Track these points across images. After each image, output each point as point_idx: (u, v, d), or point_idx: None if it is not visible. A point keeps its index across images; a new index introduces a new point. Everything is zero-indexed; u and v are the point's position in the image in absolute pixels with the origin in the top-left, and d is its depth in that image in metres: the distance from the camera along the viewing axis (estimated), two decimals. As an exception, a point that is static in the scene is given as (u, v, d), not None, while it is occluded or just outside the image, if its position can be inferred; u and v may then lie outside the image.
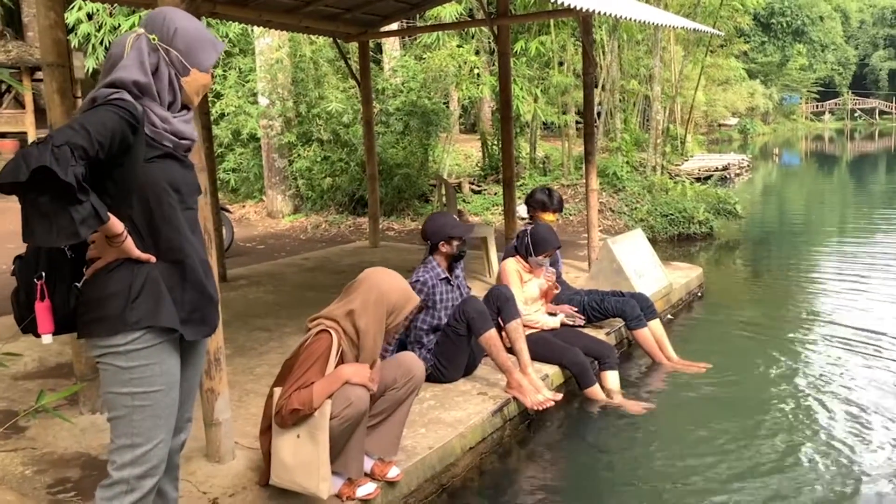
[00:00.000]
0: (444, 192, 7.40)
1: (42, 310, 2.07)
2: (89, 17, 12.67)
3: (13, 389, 4.31)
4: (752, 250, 10.21)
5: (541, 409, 4.08)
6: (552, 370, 4.56)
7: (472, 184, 13.35)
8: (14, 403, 4.08)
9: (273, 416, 2.88)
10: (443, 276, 4.29)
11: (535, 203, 5.52)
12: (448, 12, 12.54)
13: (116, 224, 2.04)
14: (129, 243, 2.09)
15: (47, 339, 2.10)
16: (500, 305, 4.30)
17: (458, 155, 15.31)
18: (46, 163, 1.78)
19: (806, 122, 54.82)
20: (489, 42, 14.36)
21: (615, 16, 5.76)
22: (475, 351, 4.32)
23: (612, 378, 4.68)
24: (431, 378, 4.18)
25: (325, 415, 2.77)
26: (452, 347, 4.20)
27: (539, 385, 4.21)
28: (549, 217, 5.47)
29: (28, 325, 2.13)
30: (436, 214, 4.45)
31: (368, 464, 3.17)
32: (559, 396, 4.20)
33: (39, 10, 3.50)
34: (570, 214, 11.56)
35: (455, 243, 4.30)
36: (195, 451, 3.29)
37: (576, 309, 5.13)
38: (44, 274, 2.07)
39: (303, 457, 2.81)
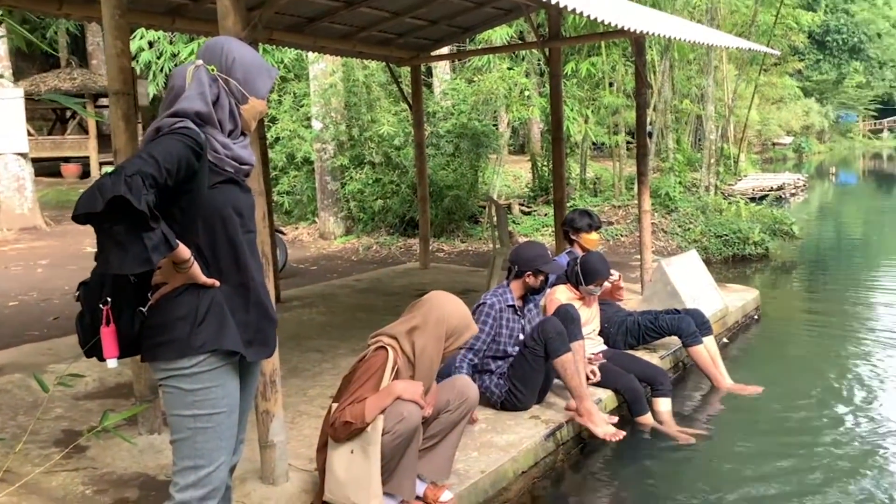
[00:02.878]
0: (493, 213, 7.39)
1: (108, 334, 2.11)
2: (150, 45, 13.07)
3: (74, 409, 4.41)
4: (810, 272, 9.96)
5: (613, 440, 3.99)
6: (605, 394, 4.50)
7: (522, 205, 13.32)
8: (76, 423, 4.18)
9: (328, 430, 2.91)
10: (511, 303, 4.22)
11: (582, 227, 5.38)
12: (499, 35, 12.60)
13: (184, 250, 2.09)
14: (196, 269, 2.14)
15: (112, 363, 2.14)
16: (566, 325, 4.26)
17: (508, 176, 15.30)
18: (121, 192, 1.84)
19: (863, 139, 53.45)
20: (539, 63, 14.37)
21: (667, 37, 5.71)
22: (549, 374, 4.22)
23: (664, 404, 4.58)
24: (506, 405, 4.12)
25: (378, 430, 2.79)
26: (529, 369, 4.11)
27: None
28: (593, 237, 5.38)
29: (92, 349, 2.18)
30: (532, 244, 4.40)
31: (421, 487, 3.17)
32: (623, 434, 4.09)
33: (107, 39, 3.62)
34: (622, 235, 11.45)
35: (540, 278, 4.24)
36: (250, 473, 3.32)
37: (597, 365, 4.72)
38: (109, 299, 2.12)
39: (355, 472, 2.82)
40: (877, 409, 4.76)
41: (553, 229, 7.81)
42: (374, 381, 2.88)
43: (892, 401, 4.90)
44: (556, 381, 4.27)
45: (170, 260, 2.09)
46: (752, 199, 15.73)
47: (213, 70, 2.23)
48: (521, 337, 4.26)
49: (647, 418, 4.43)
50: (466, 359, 4.10)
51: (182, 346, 2.15)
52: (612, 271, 4.88)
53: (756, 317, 7.07)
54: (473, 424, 3.92)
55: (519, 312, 4.27)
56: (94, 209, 1.85)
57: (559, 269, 4.38)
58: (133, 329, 2.16)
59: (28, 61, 21.54)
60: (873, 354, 5.93)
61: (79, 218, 1.89)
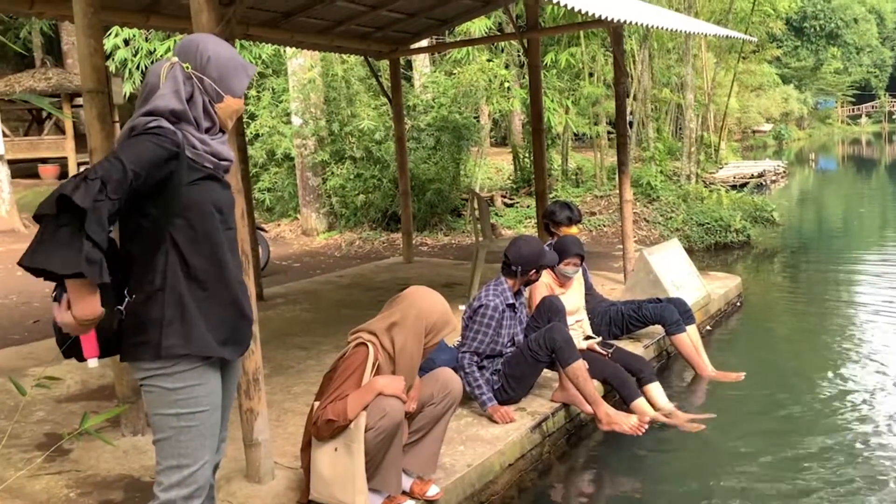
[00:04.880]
0: (476, 206, 7.38)
1: (86, 335, 2.09)
2: (126, 42, 12.95)
3: (57, 412, 4.37)
4: (791, 258, 10.04)
5: (641, 431, 3.98)
6: (594, 384, 4.50)
7: (505, 197, 13.33)
8: (58, 426, 4.14)
9: (311, 429, 2.90)
10: (510, 301, 4.18)
11: (561, 220, 5.37)
12: (477, 27, 12.57)
13: (97, 307, 1.99)
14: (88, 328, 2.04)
15: (93, 363, 2.13)
16: (551, 317, 4.26)
17: (490, 168, 15.30)
18: (66, 192, 1.85)
19: (842, 125, 53.92)
20: (519, 55, 14.36)
21: (646, 25, 5.73)
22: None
23: (655, 391, 4.55)
24: (495, 398, 4.07)
25: (361, 427, 2.78)
26: (527, 370, 4.11)
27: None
28: (573, 231, 5.36)
29: (70, 350, 2.15)
30: (529, 239, 4.33)
31: (407, 482, 3.16)
32: (647, 419, 4.09)
33: (79, 38, 3.57)
34: (605, 225, 11.48)
35: (541, 273, 4.22)
36: (235, 472, 3.31)
37: (600, 340, 4.83)
38: None
39: (340, 470, 2.82)
40: (861, 389, 4.81)
41: (536, 221, 7.81)
42: (355, 377, 2.87)
43: (876, 380, 4.96)
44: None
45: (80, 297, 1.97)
46: (733, 187, 15.84)
47: (188, 68, 2.20)
48: (518, 337, 4.25)
49: (641, 405, 4.36)
50: (475, 363, 4.03)
51: (155, 348, 2.13)
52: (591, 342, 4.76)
53: (739, 304, 7.11)
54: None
55: (517, 310, 4.26)
56: (51, 211, 1.86)
57: (555, 259, 4.38)
58: (112, 329, 2.13)
59: (2, 62, 21.28)
60: (855, 336, 6.00)
61: (38, 218, 1.89)
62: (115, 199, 1.92)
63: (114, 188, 1.92)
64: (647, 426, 4.02)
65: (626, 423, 4.00)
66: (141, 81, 13.37)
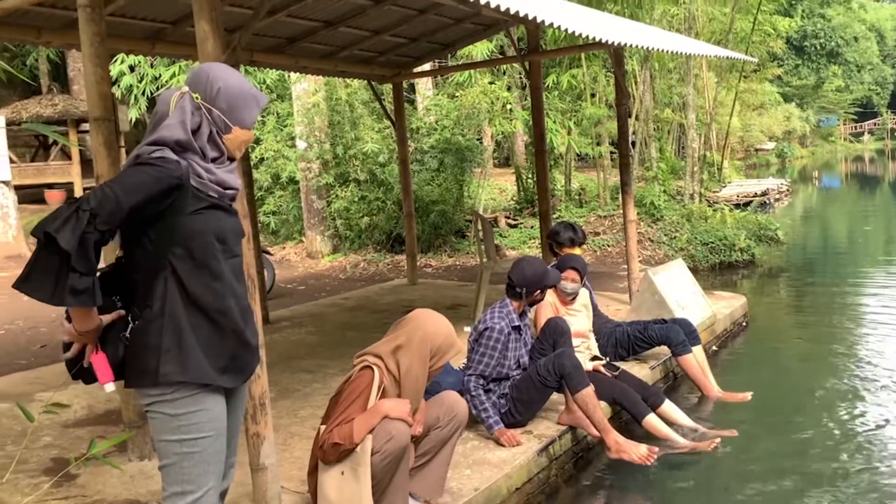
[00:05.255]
0: (480, 227, 7.40)
1: (99, 361, 2.14)
2: (131, 69, 13.06)
3: (64, 437, 4.37)
4: (796, 277, 10.03)
5: (651, 461, 3.93)
6: (601, 405, 4.49)
7: (508, 217, 13.36)
8: (65, 451, 4.13)
9: (317, 452, 2.90)
10: (516, 323, 4.16)
11: (564, 241, 5.39)
12: (479, 50, 12.68)
13: (94, 317, 2.11)
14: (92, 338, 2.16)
15: (109, 387, 2.17)
16: (556, 339, 4.26)
17: (493, 189, 15.35)
18: (51, 230, 1.91)
19: (845, 143, 53.96)
20: (521, 77, 14.45)
21: (646, 47, 5.77)
22: None
23: (670, 409, 4.52)
24: (502, 422, 4.03)
25: (367, 450, 2.78)
26: (536, 396, 4.10)
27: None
28: (577, 252, 5.34)
29: (79, 373, 2.20)
30: (532, 260, 4.33)
31: (415, 506, 3.16)
32: (656, 450, 4.03)
33: (86, 66, 3.62)
34: (609, 246, 11.49)
35: (546, 293, 4.21)
36: (242, 497, 3.30)
37: (606, 361, 4.85)
38: None
39: (347, 493, 2.81)
40: (868, 409, 4.78)
41: (540, 241, 7.83)
42: (360, 401, 2.87)
43: (883, 400, 4.93)
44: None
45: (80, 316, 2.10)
46: (737, 206, 15.85)
47: (197, 98, 2.23)
48: (523, 359, 4.24)
49: (653, 423, 4.32)
50: (480, 385, 4.02)
51: (153, 375, 2.15)
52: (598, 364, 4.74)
53: (744, 323, 7.10)
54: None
55: (522, 332, 4.24)
56: (38, 236, 1.92)
57: (557, 279, 4.38)
58: (118, 354, 2.17)
59: (9, 88, 21.43)
60: (864, 355, 5.98)
61: (35, 233, 1.95)
62: (104, 231, 1.99)
63: (104, 220, 1.98)
64: (656, 456, 3.96)
65: (635, 452, 3.96)
66: (147, 107, 13.48)
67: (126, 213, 2.01)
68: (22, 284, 1.96)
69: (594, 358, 4.77)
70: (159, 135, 2.16)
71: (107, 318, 2.16)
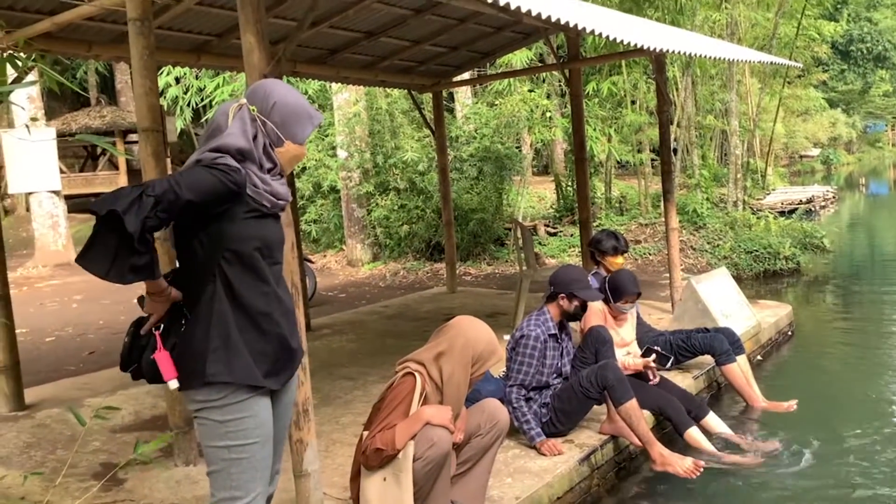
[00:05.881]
0: (519, 235, 7.39)
1: (163, 359, 2.20)
2: (177, 80, 13.35)
3: (112, 442, 4.46)
4: (843, 285, 9.81)
5: (696, 474, 3.84)
6: (645, 414, 4.44)
7: (548, 226, 13.31)
8: (113, 456, 4.22)
9: (360, 458, 2.92)
10: (553, 331, 4.14)
11: (607, 249, 5.32)
12: (518, 59, 12.69)
13: (161, 282, 2.19)
14: (174, 293, 2.24)
15: (173, 384, 2.21)
16: (598, 348, 4.24)
17: (533, 197, 15.31)
18: (117, 208, 1.96)
19: (893, 149, 52.70)
20: (560, 85, 14.42)
21: (688, 53, 5.72)
22: None
23: (713, 421, 4.48)
24: (543, 431, 4.03)
25: (409, 456, 2.80)
26: (577, 407, 4.08)
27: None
28: (618, 261, 5.31)
29: (136, 373, 2.28)
30: (572, 267, 4.34)
31: (456, 514, 3.16)
32: (702, 463, 3.94)
33: (136, 78, 3.71)
34: (651, 254, 11.38)
35: (575, 304, 4.16)
36: (285, 503, 3.33)
37: (654, 358, 4.74)
38: (162, 326, 2.22)
39: (389, 500, 2.82)
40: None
41: (580, 250, 7.80)
42: (402, 407, 2.89)
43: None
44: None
45: (150, 290, 2.20)
46: (782, 213, 15.56)
47: (253, 110, 2.30)
48: (564, 368, 4.23)
49: (695, 436, 4.28)
50: (522, 396, 4.01)
51: (201, 376, 2.20)
52: (651, 363, 4.67)
53: (790, 333, 6.97)
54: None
55: (560, 342, 4.23)
56: (100, 211, 1.97)
57: (595, 297, 4.28)
58: (175, 355, 2.24)
59: (59, 101, 22.04)
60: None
61: (90, 210, 2.01)
62: (163, 218, 2.05)
63: (165, 208, 2.04)
64: (701, 469, 3.89)
65: (680, 465, 3.90)
66: (192, 118, 13.75)
67: (183, 206, 2.08)
68: (81, 259, 2.03)
69: (647, 351, 4.72)
70: (222, 142, 2.22)
71: (175, 293, 2.23)
